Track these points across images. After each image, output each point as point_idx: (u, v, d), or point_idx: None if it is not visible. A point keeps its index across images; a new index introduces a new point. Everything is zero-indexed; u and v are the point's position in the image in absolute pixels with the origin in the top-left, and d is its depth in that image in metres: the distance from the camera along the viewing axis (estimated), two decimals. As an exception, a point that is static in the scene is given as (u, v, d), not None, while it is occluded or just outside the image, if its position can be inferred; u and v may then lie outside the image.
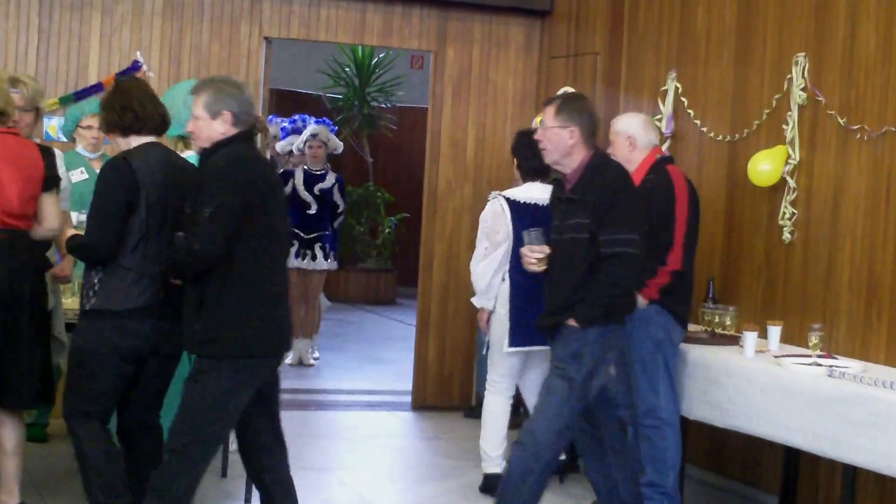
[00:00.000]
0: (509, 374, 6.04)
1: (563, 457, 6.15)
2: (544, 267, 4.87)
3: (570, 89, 6.85)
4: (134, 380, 4.60)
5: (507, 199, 5.94)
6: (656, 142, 5.64)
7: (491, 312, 6.04)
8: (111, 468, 4.56)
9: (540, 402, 4.85)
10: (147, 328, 4.51)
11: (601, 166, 4.82)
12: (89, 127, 6.24)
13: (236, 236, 4.22)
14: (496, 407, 6.08)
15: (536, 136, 4.95)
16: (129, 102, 4.58)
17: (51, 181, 4.85)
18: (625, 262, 4.69)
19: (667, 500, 5.38)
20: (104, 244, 4.45)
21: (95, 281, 4.49)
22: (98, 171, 6.26)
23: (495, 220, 5.94)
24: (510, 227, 5.88)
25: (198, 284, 4.27)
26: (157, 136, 4.67)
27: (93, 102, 6.42)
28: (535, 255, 4.85)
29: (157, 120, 4.66)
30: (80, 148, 6.28)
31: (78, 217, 5.48)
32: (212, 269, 4.23)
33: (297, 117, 10.12)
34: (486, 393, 6.13)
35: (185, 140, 4.97)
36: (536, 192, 5.95)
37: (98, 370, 4.50)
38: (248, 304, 4.28)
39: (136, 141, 4.61)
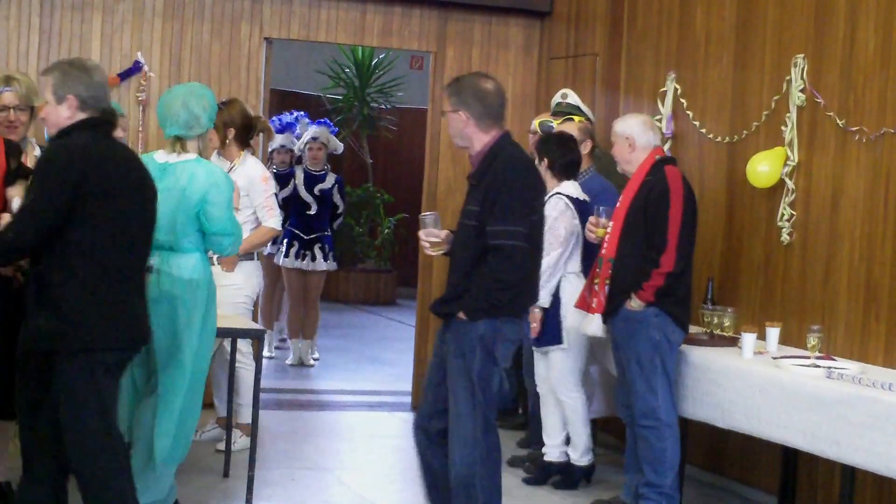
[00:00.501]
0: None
1: (590, 461, 6.19)
2: (441, 252, 4.80)
3: (570, 91, 6.86)
4: None
5: (569, 197, 5.99)
6: (656, 142, 5.63)
7: (546, 310, 6.02)
8: None
9: (452, 410, 4.70)
10: None
11: (499, 153, 4.66)
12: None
13: (67, 228, 4.09)
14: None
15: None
16: None
17: (13, 175, 4.78)
18: (508, 256, 4.52)
19: (665, 501, 5.39)
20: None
21: None
22: None
23: (562, 217, 5.93)
24: (578, 225, 5.97)
25: (36, 278, 4.19)
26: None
27: (114, 104, 6.47)
28: (431, 239, 4.76)
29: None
30: None
31: None
32: (37, 260, 4.18)
33: (275, 119, 10.10)
34: (572, 393, 6.12)
35: (181, 141, 4.97)
36: (577, 190, 6.06)
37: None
38: (91, 296, 4.14)
39: None
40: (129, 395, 4.98)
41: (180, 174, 4.90)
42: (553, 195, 6.00)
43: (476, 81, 4.75)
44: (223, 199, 4.94)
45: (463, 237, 4.68)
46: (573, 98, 6.77)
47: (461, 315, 4.60)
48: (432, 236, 4.77)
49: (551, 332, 6.05)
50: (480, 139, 4.69)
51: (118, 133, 6.21)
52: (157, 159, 4.97)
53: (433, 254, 4.83)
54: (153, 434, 4.85)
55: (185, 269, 4.88)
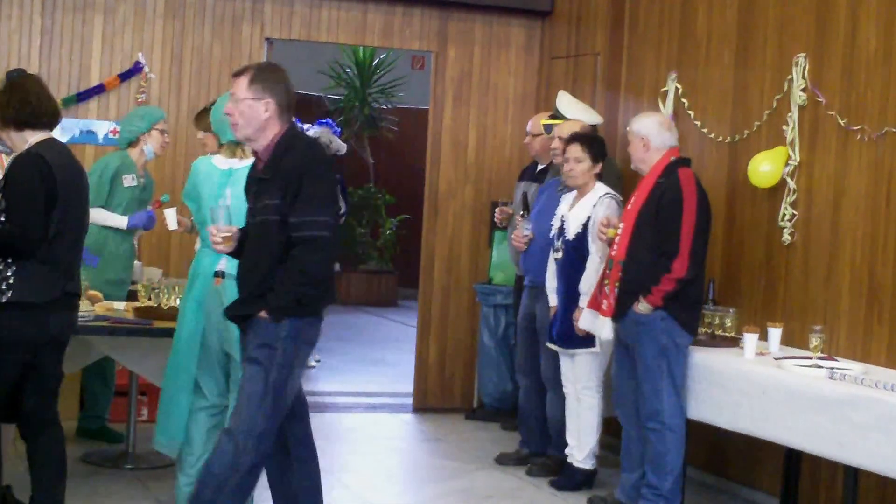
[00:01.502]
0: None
1: (593, 465, 6.19)
2: (231, 247, 4.49)
3: (567, 94, 6.86)
4: (29, 369, 4.59)
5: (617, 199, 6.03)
6: (672, 143, 5.56)
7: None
8: None
9: (237, 405, 4.40)
10: (57, 318, 4.56)
11: (292, 142, 4.39)
12: (162, 131, 6.37)
13: None
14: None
15: (226, 110, 4.52)
16: (27, 96, 4.58)
17: None
18: (315, 248, 4.27)
19: (663, 503, 5.39)
20: (33, 238, 4.46)
21: (9, 274, 4.47)
22: (145, 176, 6.42)
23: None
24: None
25: None
26: (50, 129, 4.66)
27: (161, 110, 6.65)
28: (222, 234, 4.46)
29: (51, 113, 4.65)
30: (147, 148, 6.34)
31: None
32: None
33: None
34: (593, 395, 6.13)
35: (241, 147, 4.99)
36: (612, 189, 6.12)
37: (5, 361, 4.51)
38: None
39: (31, 135, 4.60)
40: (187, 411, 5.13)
41: None
42: (604, 196, 5.99)
43: (282, 72, 4.55)
44: None
45: (261, 234, 4.38)
46: (560, 101, 6.78)
47: (263, 314, 4.31)
48: (224, 231, 4.47)
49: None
50: (273, 131, 4.40)
51: (165, 138, 6.42)
52: (218, 165, 4.98)
53: (222, 249, 4.51)
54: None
55: None
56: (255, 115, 4.38)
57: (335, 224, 4.35)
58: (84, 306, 5.43)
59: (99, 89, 7.44)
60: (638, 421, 5.54)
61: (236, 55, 7.66)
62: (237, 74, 4.47)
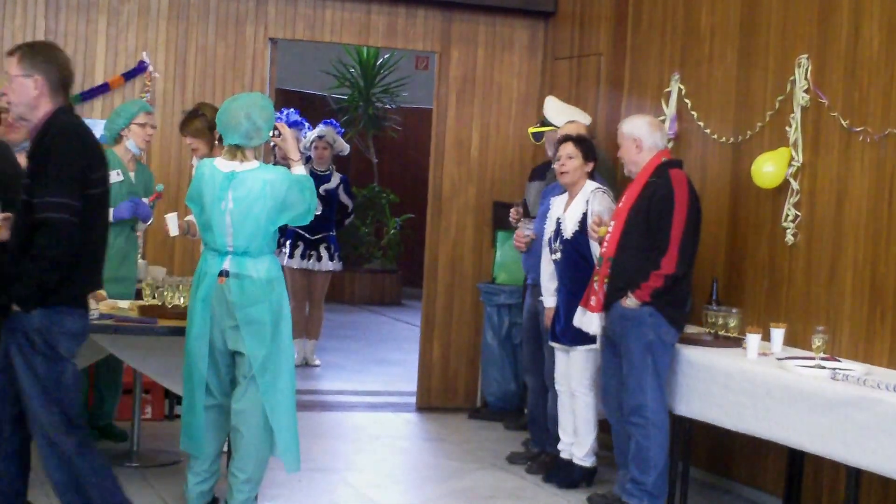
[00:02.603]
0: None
1: (593, 463, 6.20)
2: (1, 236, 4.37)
3: (554, 99, 6.88)
4: None
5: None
6: (662, 144, 5.64)
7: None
8: None
9: (29, 415, 4.25)
10: None
11: (53, 122, 4.23)
12: (143, 124, 6.32)
13: None
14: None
15: (1, 89, 4.38)
16: None
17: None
18: (53, 231, 4.06)
19: (647, 498, 5.43)
20: None
21: None
22: (132, 172, 6.35)
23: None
24: None
25: None
26: None
27: (141, 102, 6.53)
28: None
29: None
30: (130, 144, 6.32)
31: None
32: None
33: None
34: (587, 392, 6.13)
35: (241, 150, 5.02)
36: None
37: None
38: None
39: None
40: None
41: (252, 182, 4.97)
42: (596, 190, 6.01)
43: (54, 48, 4.41)
44: (300, 194, 5.03)
45: (19, 217, 4.23)
46: (547, 108, 6.80)
47: (15, 306, 4.16)
48: None
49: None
50: (44, 110, 4.27)
51: (147, 131, 6.32)
52: (220, 168, 5.02)
53: None
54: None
55: (262, 270, 5.00)
56: (24, 92, 4.27)
57: (78, 206, 4.12)
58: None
59: (103, 88, 7.45)
60: (621, 416, 5.58)
61: (240, 55, 7.68)
62: (10, 53, 4.34)
